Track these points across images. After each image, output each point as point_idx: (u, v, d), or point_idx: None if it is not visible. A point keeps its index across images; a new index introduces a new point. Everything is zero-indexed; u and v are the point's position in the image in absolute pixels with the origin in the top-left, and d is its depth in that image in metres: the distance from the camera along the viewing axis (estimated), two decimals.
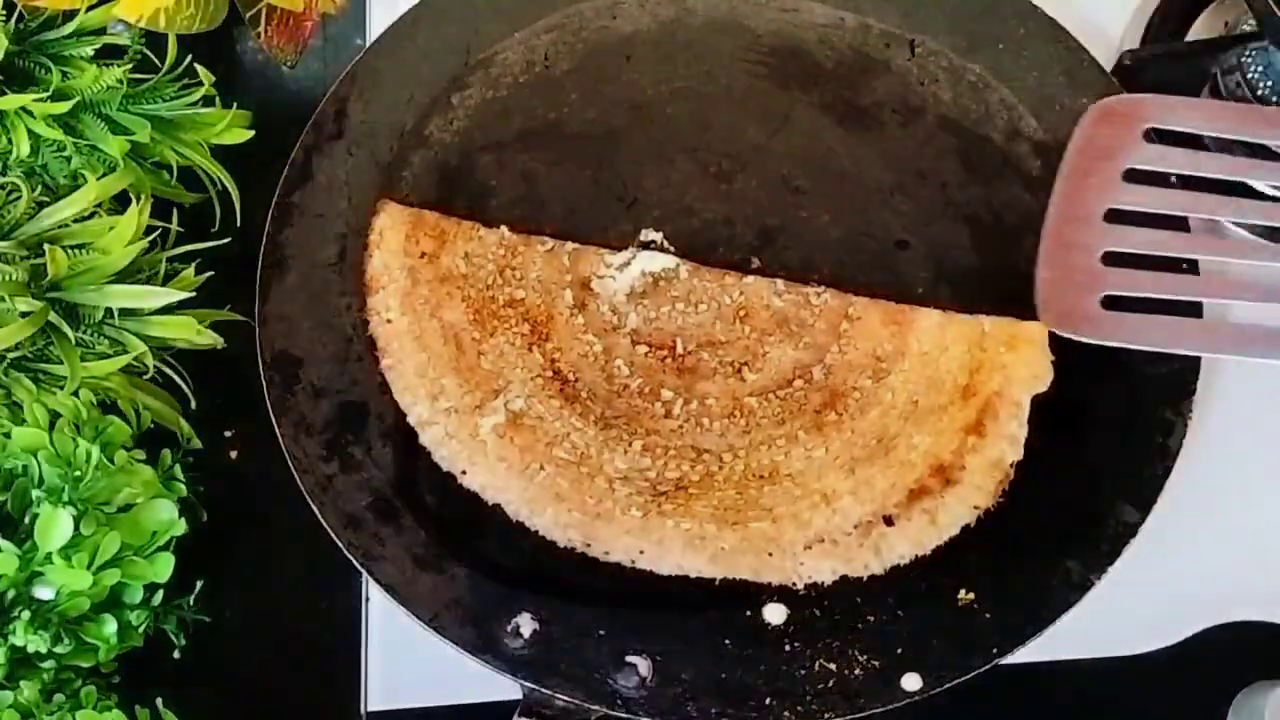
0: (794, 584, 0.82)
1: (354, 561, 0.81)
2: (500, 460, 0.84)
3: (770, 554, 0.82)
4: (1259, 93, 0.94)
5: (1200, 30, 1.00)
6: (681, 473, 0.84)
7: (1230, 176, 0.88)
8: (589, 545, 0.83)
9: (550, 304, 0.89)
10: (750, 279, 0.90)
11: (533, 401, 0.85)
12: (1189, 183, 0.87)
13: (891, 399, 0.86)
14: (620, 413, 0.86)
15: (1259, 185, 0.91)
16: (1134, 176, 0.87)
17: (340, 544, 0.82)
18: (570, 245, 0.90)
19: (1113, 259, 0.86)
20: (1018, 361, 0.86)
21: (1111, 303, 0.85)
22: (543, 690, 0.79)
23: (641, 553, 0.82)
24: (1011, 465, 0.84)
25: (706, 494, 0.83)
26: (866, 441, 0.85)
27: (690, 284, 0.89)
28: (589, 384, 0.87)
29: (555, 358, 0.87)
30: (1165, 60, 0.96)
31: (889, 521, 0.83)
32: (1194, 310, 0.86)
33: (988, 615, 0.81)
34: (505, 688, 0.81)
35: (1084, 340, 0.84)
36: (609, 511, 0.83)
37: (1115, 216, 0.86)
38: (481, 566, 0.82)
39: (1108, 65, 0.95)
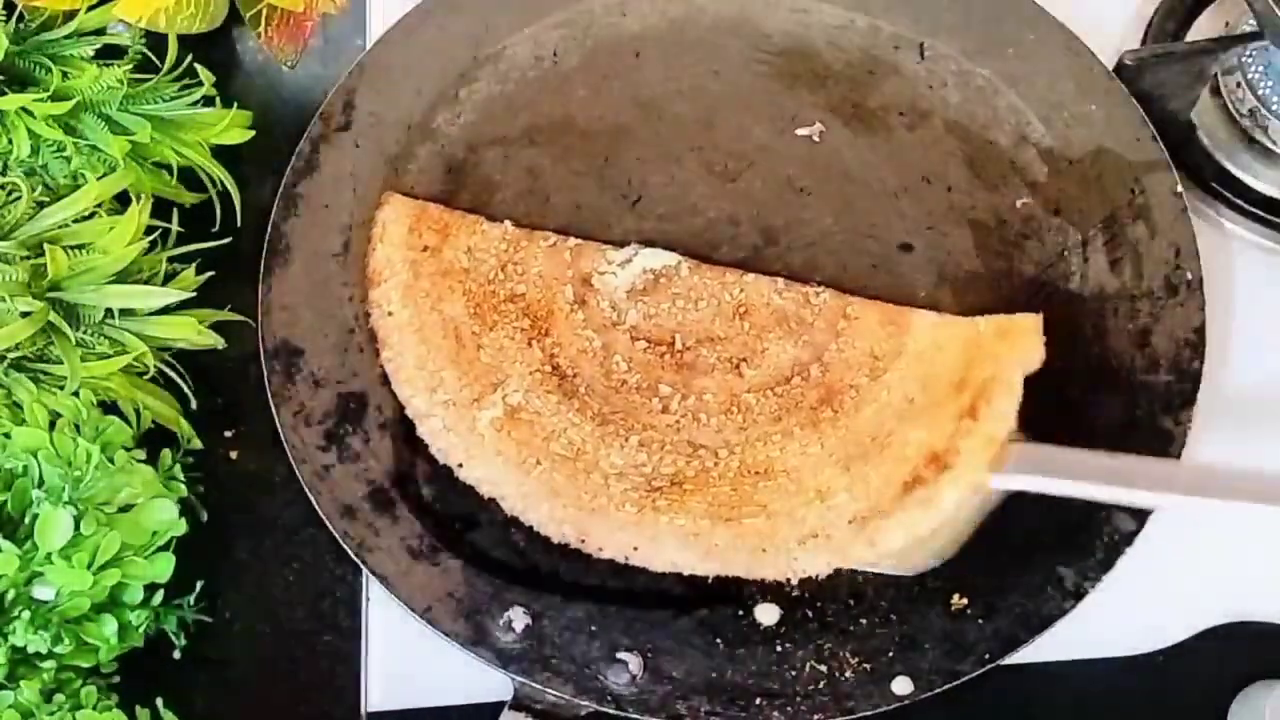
0: (787, 580, 0.82)
1: (349, 551, 0.82)
2: (497, 454, 0.84)
3: (764, 550, 0.82)
4: (1259, 92, 0.94)
5: (1200, 30, 0.99)
6: (677, 468, 0.84)
7: None
8: (583, 541, 0.83)
9: (551, 299, 0.89)
10: (751, 277, 0.90)
11: (530, 396, 0.86)
12: None
13: (887, 397, 0.86)
14: (618, 408, 0.86)
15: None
16: None
17: (336, 534, 0.83)
18: (572, 241, 0.91)
19: None
20: (1009, 349, 0.86)
21: None
22: (533, 685, 0.80)
23: (635, 549, 0.83)
24: (1007, 438, 0.83)
25: (702, 490, 0.84)
26: (861, 439, 0.85)
27: (691, 281, 0.90)
28: (587, 379, 0.87)
29: (554, 353, 0.88)
30: (1165, 60, 0.94)
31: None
32: None
33: (980, 621, 0.81)
34: (505, 688, 0.81)
35: None
36: (604, 507, 0.83)
37: None
38: (476, 560, 0.83)
39: (1108, 65, 0.94)
